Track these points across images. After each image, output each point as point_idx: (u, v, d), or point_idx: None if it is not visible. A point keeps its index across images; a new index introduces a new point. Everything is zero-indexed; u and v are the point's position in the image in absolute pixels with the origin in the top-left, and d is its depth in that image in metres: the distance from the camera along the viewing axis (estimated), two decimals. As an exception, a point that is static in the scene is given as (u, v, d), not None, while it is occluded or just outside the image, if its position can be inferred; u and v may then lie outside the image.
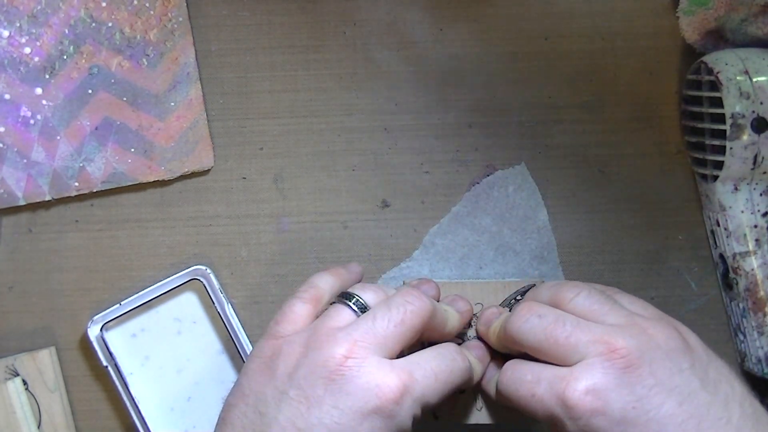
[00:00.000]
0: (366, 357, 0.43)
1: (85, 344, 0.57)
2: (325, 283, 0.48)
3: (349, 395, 0.42)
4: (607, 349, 0.42)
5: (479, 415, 0.53)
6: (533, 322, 0.45)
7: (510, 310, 0.53)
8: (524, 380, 0.45)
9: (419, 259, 0.58)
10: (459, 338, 0.53)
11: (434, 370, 0.45)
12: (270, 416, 0.43)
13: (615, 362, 0.42)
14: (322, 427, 0.42)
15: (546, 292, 0.48)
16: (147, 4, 0.55)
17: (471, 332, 0.53)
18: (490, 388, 0.50)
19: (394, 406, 0.43)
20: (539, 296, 0.48)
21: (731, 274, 0.55)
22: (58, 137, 0.55)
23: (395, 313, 0.45)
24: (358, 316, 0.46)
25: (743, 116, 0.51)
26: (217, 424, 0.46)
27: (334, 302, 0.47)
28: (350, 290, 0.47)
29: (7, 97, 0.55)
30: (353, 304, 0.46)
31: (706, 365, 0.44)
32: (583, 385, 0.42)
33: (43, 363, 0.56)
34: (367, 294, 0.47)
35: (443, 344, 0.48)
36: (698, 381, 0.43)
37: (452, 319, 0.50)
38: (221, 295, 0.56)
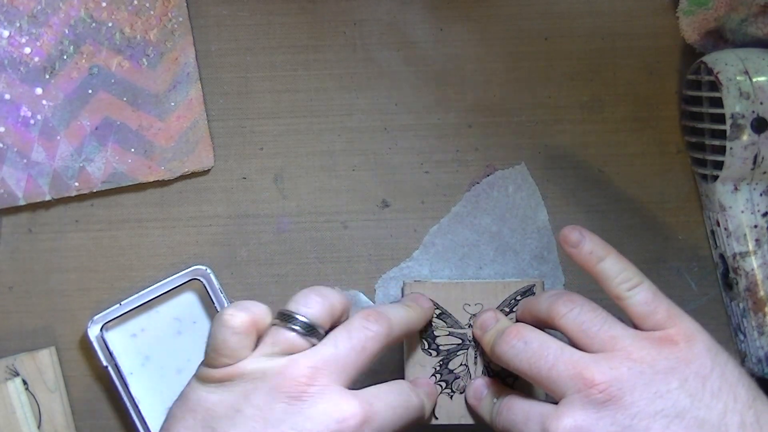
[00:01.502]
0: (328, 384, 0.43)
1: (85, 344, 0.57)
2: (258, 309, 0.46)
3: (310, 419, 0.42)
4: (584, 384, 0.43)
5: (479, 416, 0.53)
6: (519, 349, 0.46)
7: (509, 311, 0.53)
8: (516, 422, 0.46)
9: (419, 259, 0.58)
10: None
11: (392, 404, 0.46)
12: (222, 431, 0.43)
13: (593, 398, 0.43)
14: None
15: (544, 303, 0.48)
16: (147, 4, 0.55)
17: (471, 333, 0.53)
18: (494, 419, 0.50)
19: None
20: (537, 307, 0.49)
21: (731, 274, 0.55)
22: (58, 137, 0.55)
23: (356, 340, 0.45)
24: (304, 335, 0.45)
25: (743, 116, 0.51)
26: None
27: (275, 323, 0.46)
28: (290, 309, 0.46)
29: (7, 97, 0.55)
30: (296, 325, 0.45)
31: (706, 377, 0.44)
32: (565, 424, 0.43)
33: (43, 363, 0.56)
34: (310, 308, 0.46)
35: (399, 381, 0.48)
36: (689, 399, 0.43)
37: (414, 320, 0.50)
38: (221, 295, 0.56)
